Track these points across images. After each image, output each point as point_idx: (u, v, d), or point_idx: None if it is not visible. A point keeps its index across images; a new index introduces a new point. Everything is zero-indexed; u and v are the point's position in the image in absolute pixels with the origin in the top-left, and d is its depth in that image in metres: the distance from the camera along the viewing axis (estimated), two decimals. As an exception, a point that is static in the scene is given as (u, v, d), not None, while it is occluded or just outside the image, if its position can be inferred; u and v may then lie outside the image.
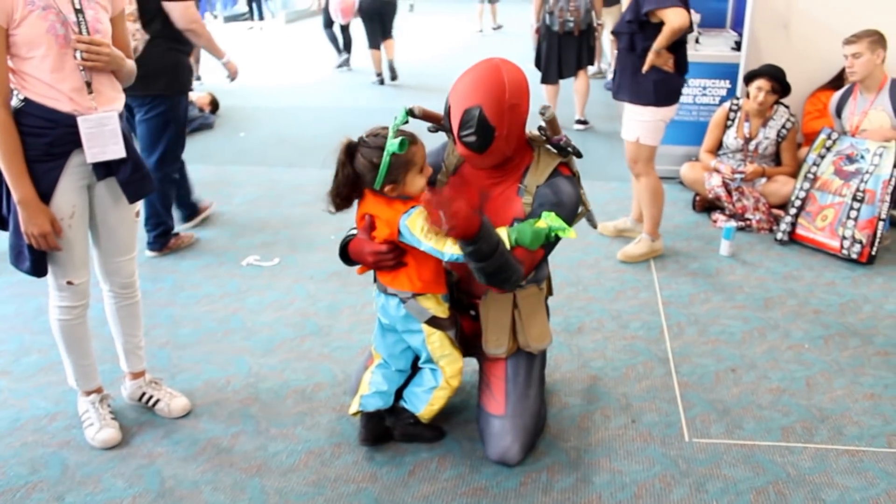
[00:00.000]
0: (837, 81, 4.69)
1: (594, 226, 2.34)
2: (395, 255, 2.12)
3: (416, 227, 2.03)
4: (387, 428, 2.37)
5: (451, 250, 2.00)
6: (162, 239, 3.86)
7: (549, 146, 2.17)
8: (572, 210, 2.11)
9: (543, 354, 2.44)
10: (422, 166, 2.06)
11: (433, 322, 2.19)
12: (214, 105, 6.99)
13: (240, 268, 3.69)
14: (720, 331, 3.05)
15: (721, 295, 3.36)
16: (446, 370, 2.26)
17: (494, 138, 2.02)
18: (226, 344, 2.99)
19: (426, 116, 2.20)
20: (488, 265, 1.95)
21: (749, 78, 4.22)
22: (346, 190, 2.10)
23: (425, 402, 2.31)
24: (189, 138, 6.19)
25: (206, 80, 8.87)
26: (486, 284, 2.06)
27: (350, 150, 2.05)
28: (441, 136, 2.29)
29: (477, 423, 2.35)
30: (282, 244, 3.99)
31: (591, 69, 7.29)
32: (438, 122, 2.23)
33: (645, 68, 3.44)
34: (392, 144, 1.97)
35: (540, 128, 2.15)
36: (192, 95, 6.90)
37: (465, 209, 1.83)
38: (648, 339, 2.99)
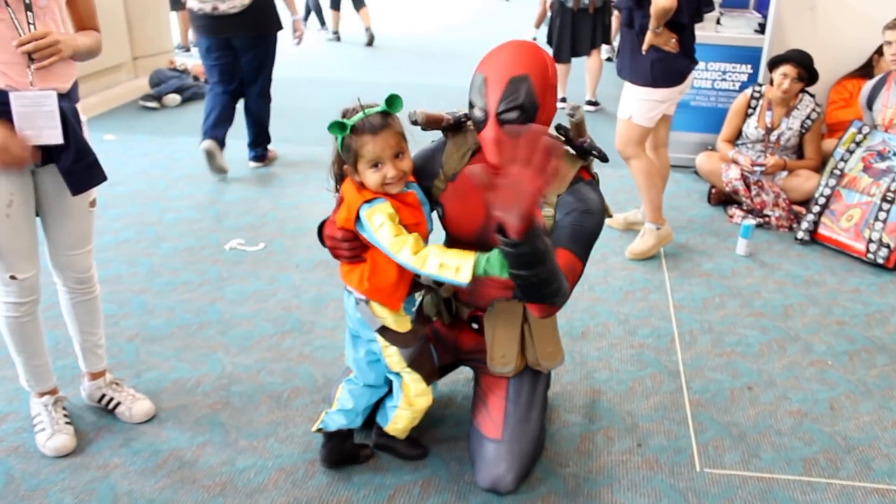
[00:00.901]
0: (866, 69, 4.42)
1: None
2: (351, 247, 1.85)
3: (372, 219, 1.77)
4: (355, 449, 2.14)
5: (405, 257, 1.73)
6: (265, 152, 4.66)
7: (568, 148, 1.90)
8: (600, 218, 1.84)
9: (549, 372, 2.20)
10: (376, 161, 1.75)
11: (385, 334, 1.91)
12: (210, 73, 6.71)
13: (222, 252, 3.45)
14: (736, 341, 2.81)
15: (737, 300, 3.11)
16: (409, 388, 2.00)
17: (535, 120, 1.75)
18: (200, 338, 2.75)
19: (430, 122, 1.93)
20: (538, 273, 1.53)
21: (774, 63, 3.94)
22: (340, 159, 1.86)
23: (389, 418, 2.09)
24: (181, 109, 6.00)
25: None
26: (528, 301, 1.70)
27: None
28: (434, 135, 2.02)
29: (468, 443, 2.12)
30: (269, 227, 3.75)
31: (605, 50, 6.98)
32: (440, 126, 1.97)
33: (644, 48, 3.19)
34: (330, 123, 1.72)
35: (558, 127, 1.88)
36: (188, 63, 6.63)
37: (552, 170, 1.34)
38: (658, 349, 2.75)
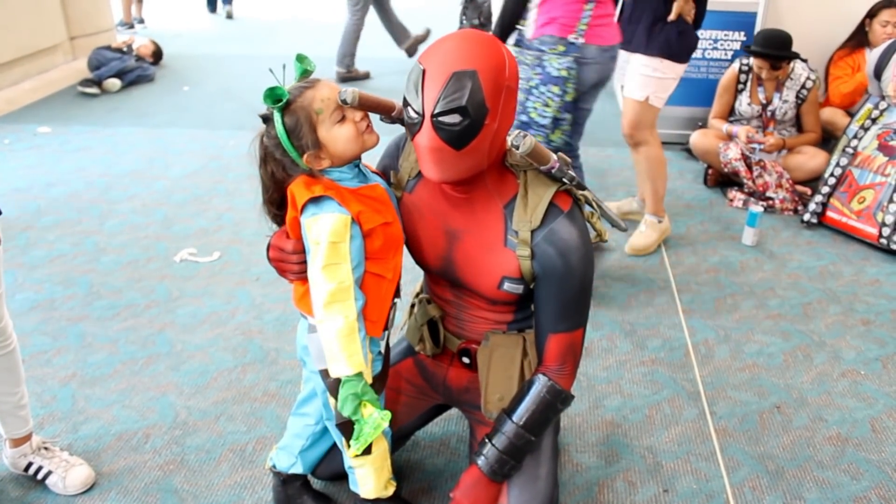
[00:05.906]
0: (859, 35, 4.12)
1: (622, 229, 1.73)
2: (301, 260, 1.49)
3: (312, 230, 1.40)
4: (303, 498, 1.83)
5: (323, 298, 1.41)
6: None
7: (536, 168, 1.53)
8: (586, 268, 1.50)
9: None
10: (334, 109, 1.41)
11: (329, 379, 1.52)
12: (157, 55, 6.20)
13: (171, 265, 3.05)
14: (757, 351, 2.51)
15: (751, 300, 2.81)
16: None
17: (482, 128, 1.36)
18: (147, 377, 2.37)
19: (365, 104, 1.48)
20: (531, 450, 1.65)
21: (748, 51, 3.64)
22: (276, 192, 1.49)
23: (356, 481, 1.73)
24: (124, 94, 5.50)
25: (151, 25, 8.04)
26: None
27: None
28: (397, 129, 1.62)
29: (468, 506, 1.79)
30: (224, 231, 3.35)
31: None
32: (388, 113, 1.56)
33: (672, 16, 2.81)
34: (266, 95, 1.35)
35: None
36: (134, 43, 6.11)
37: None
38: (672, 365, 2.44)
